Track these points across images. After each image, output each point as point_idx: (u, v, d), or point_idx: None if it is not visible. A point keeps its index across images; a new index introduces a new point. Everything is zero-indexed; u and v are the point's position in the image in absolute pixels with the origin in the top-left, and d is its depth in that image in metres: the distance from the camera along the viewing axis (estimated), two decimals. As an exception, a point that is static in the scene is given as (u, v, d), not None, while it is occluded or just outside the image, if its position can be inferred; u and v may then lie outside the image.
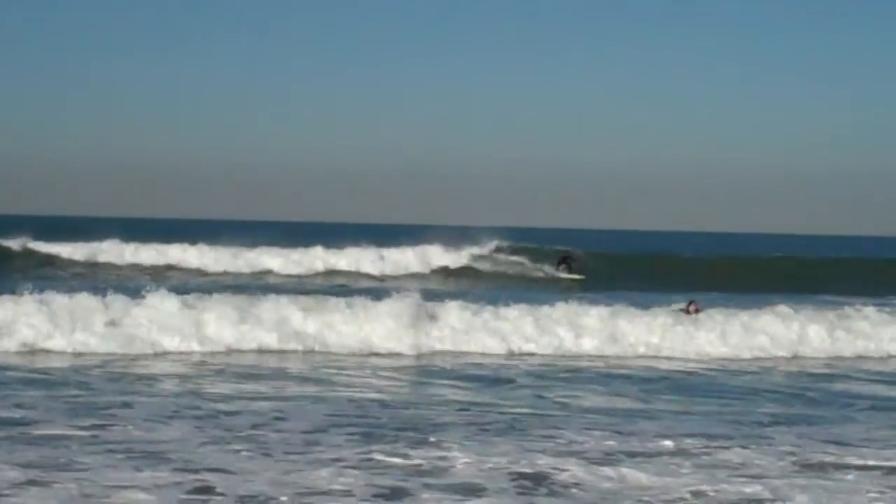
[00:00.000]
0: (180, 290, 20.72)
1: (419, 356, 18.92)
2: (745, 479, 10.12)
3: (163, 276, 37.50)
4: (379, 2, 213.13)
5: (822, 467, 10.81)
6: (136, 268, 40.74)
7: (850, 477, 10.44)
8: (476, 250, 43.65)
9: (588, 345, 20.06)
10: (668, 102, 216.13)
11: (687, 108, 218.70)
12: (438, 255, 43.26)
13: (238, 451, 10.74)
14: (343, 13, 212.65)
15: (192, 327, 18.88)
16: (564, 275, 40.59)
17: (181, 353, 18.37)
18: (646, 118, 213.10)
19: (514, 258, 43.47)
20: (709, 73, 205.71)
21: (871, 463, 10.99)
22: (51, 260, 41.04)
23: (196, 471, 9.85)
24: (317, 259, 42.91)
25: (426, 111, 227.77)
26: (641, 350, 20.04)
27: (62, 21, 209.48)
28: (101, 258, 41.81)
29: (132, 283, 30.61)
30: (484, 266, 42.53)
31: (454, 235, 43.74)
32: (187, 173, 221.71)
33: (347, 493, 9.29)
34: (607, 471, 10.31)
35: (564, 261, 41.63)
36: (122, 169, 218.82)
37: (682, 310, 22.25)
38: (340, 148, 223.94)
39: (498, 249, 44.24)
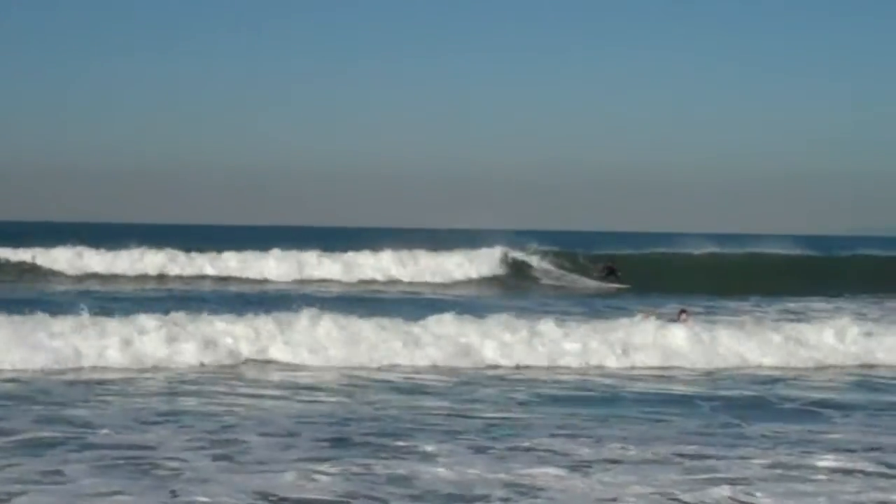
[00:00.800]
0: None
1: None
2: (716, 483, 10.22)
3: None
4: (379, 2, 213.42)
5: (792, 469, 10.95)
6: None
7: (818, 478, 10.58)
8: (508, 257, 42.73)
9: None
10: (668, 103, 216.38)
11: (687, 109, 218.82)
12: (487, 263, 42.46)
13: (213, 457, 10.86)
14: (343, 13, 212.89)
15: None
16: (613, 283, 39.33)
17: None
18: (646, 119, 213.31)
19: (543, 265, 42.53)
20: (709, 73, 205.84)
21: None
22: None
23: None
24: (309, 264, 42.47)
25: (426, 112, 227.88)
26: (611, 360, 19.36)
27: (62, 21, 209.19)
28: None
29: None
30: (529, 273, 41.87)
31: (480, 239, 42.86)
32: (185, 175, 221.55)
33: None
34: (581, 477, 10.42)
35: (611, 270, 40.21)
36: (119, 172, 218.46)
37: (672, 319, 22.22)
38: (340, 149, 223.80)
39: (531, 252, 43.22)
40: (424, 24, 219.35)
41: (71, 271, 40.16)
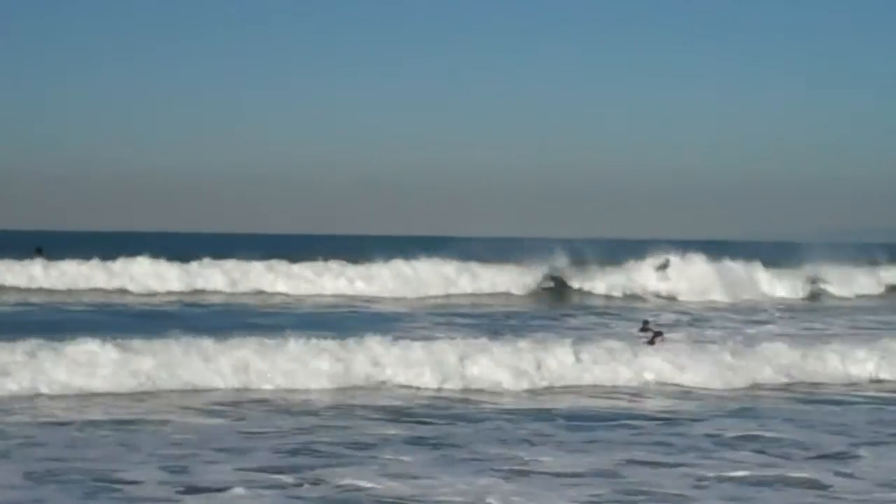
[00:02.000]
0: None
1: None
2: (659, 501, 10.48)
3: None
4: (379, 2, 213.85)
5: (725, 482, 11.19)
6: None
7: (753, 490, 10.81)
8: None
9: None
10: (668, 104, 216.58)
11: (687, 111, 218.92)
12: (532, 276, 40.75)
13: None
14: (343, 13, 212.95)
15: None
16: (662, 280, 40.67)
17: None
18: (646, 121, 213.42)
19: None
20: (709, 73, 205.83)
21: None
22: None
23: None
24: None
25: (424, 114, 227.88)
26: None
27: (62, 21, 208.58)
28: None
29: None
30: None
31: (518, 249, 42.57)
32: (181, 180, 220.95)
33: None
34: (522, 489, 10.64)
35: (663, 265, 41.33)
36: (114, 179, 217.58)
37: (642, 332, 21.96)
38: (340, 152, 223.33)
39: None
40: (424, 24, 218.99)
41: None
